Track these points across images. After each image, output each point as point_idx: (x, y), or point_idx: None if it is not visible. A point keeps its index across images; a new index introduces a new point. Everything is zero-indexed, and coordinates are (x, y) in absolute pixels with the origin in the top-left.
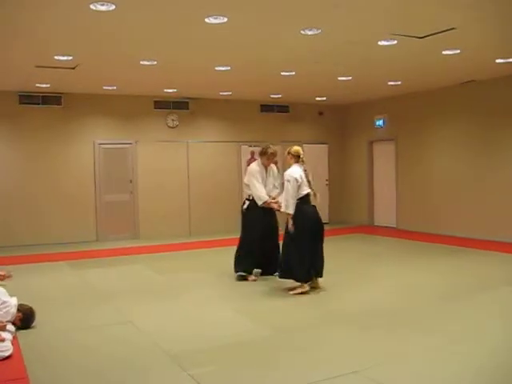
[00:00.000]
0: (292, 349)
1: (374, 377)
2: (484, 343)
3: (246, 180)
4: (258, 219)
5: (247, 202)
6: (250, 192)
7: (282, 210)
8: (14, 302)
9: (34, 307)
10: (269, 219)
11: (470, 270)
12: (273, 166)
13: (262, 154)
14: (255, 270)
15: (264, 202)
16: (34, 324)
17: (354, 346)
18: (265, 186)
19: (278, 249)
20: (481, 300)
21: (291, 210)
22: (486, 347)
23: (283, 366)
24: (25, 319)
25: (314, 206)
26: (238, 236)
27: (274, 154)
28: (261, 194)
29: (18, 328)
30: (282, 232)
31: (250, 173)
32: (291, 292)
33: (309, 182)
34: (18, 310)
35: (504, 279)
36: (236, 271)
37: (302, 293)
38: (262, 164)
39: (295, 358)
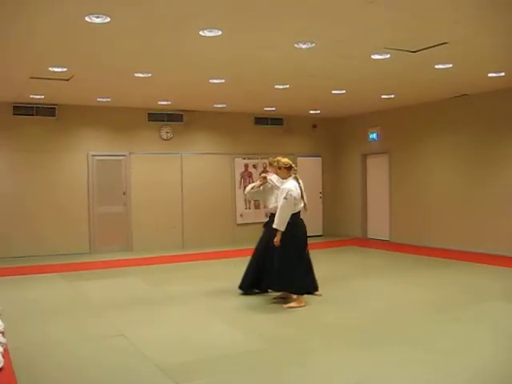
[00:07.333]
0: (283, 362)
1: None
2: (476, 357)
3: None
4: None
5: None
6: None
7: (274, 226)
8: None
9: (26, 319)
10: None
11: (462, 283)
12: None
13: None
14: None
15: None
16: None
17: (345, 360)
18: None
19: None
20: (474, 313)
21: (283, 228)
22: (478, 361)
23: (275, 378)
24: None
25: (302, 220)
26: (231, 249)
27: None
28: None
29: None
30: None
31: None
32: (286, 306)
33: (302, 196)
34: None
35: (497, 292)
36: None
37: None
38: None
39: (286, 371)
